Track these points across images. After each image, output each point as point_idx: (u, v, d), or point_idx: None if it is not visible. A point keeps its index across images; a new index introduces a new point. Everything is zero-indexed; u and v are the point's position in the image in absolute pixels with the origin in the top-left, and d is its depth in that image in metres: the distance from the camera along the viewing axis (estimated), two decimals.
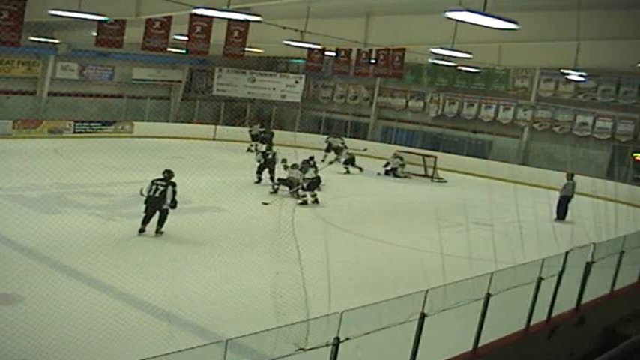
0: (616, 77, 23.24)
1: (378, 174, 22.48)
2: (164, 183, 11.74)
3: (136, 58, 25.77)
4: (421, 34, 14.87)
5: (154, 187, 11.68)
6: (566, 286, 8.70)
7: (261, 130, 24.98)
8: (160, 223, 11.71)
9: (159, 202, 11.62)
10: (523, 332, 8.17)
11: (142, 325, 7.61)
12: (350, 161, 22.40)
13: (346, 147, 23.48)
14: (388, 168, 22.68)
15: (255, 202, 14.96)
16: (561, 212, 17.08)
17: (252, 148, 23.47)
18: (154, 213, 11.68)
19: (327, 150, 23.81)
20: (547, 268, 8.18)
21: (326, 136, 25.17)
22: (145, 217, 11.64)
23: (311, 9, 13.83)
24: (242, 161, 21.69)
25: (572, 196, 17.15)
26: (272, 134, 24.24)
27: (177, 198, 11.79)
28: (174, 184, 11.82)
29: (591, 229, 13.84)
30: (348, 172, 22.00)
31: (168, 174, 11.94)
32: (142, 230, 11.60)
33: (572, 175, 17.43)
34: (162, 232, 11.71)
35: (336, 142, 24.09)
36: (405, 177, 22.44)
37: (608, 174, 22.69)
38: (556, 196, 17.43)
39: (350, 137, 28.67)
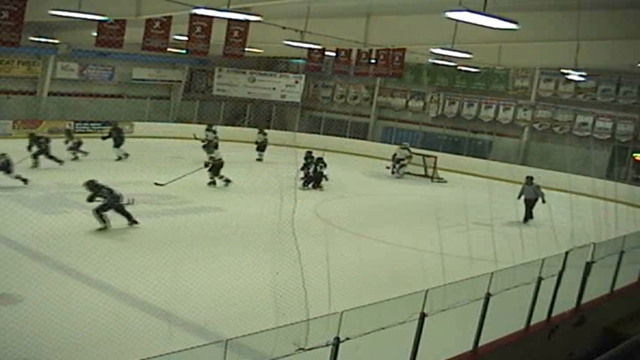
0: (616, 77, 23.24)
1: (392, 172, 22.32)
2: None
3: (136, 58, 25.78)
4: (421, 34, 14.87)
5: None
6: (566, 286, 8.69)
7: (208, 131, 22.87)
8: None
9: None
10: (523, 332, 8.16)
11: (142, 325, 7.61)
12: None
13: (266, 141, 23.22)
14: (395, 162, 22.36)
15: (255, 202, 14.95)
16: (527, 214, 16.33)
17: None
18: None
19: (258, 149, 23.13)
20: (547, 268, 8.17)
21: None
22: None
23: (311, 9, 13.83)
24: (242, 161, 21.74)
25: (537, 199, 16.19)
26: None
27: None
28: None
29: (591, 229, 13.83)
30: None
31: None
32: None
33: (532, 179, 16.34)
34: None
35: (261, 139, 23.40)
36: (400, 177, 22.29)
37: (608, 174, 22.68)
38: (556, 196, 17.45)
39: (350, 137, 28.79)
